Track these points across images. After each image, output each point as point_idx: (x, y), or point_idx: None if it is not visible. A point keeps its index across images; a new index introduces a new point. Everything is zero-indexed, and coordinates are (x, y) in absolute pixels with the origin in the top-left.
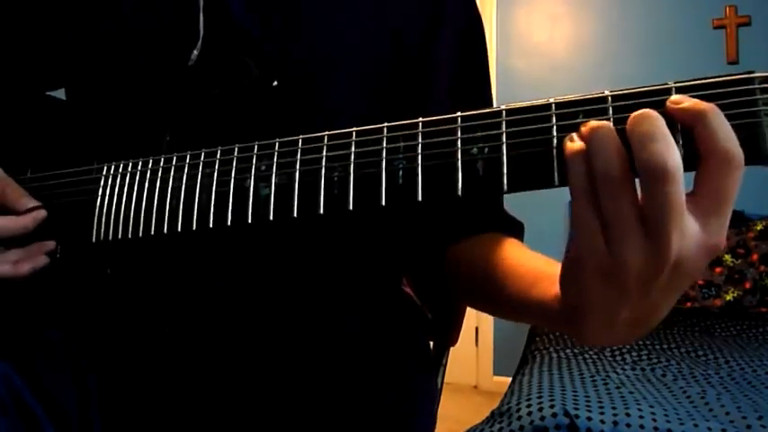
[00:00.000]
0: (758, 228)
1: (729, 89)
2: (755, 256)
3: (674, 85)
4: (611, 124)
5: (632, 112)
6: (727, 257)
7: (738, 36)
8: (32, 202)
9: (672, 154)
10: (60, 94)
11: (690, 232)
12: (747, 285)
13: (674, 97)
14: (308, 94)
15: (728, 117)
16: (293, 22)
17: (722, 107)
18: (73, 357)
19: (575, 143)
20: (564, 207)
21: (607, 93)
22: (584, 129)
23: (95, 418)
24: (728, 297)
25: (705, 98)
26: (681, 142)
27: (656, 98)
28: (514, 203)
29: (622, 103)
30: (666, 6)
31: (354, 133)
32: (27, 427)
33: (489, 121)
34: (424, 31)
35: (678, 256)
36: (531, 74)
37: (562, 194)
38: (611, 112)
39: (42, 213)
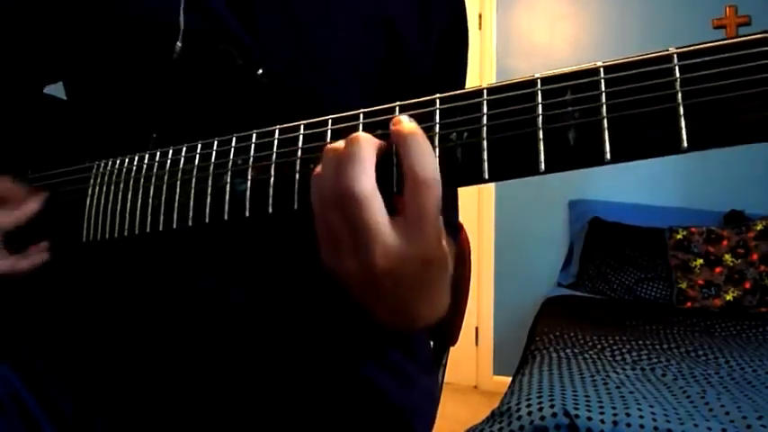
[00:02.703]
0: (758, 228)
1: (739, 53)
2: (755, 256)
3: (675, 51)
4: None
5: (628, 85)
6: (728, 257)
7: (738, 36)
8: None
9: (361, 181)
10: (60, 91)
11: (393, 249)
12: (747, 285)
13: (396, 117)
14: (298, 84)
15: (739, 84)
16: (280, 14)
17: (732, 73)
18: (71, 358)
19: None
20: (564, 207)
21: (599, 64)
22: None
23: (95, 418)
24: (728, 297)
25: (711, 64)
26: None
27: (654, 67)
28: (515, 203)
29: (616, 74)
30: (666, 6)
31: (330, 121)
32: (26, 428)
33: (469, 101)
34: (416, 18)
35: (387, 267)
36: (530, 74)
37: (562, 194)
38: (602, 86)
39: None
